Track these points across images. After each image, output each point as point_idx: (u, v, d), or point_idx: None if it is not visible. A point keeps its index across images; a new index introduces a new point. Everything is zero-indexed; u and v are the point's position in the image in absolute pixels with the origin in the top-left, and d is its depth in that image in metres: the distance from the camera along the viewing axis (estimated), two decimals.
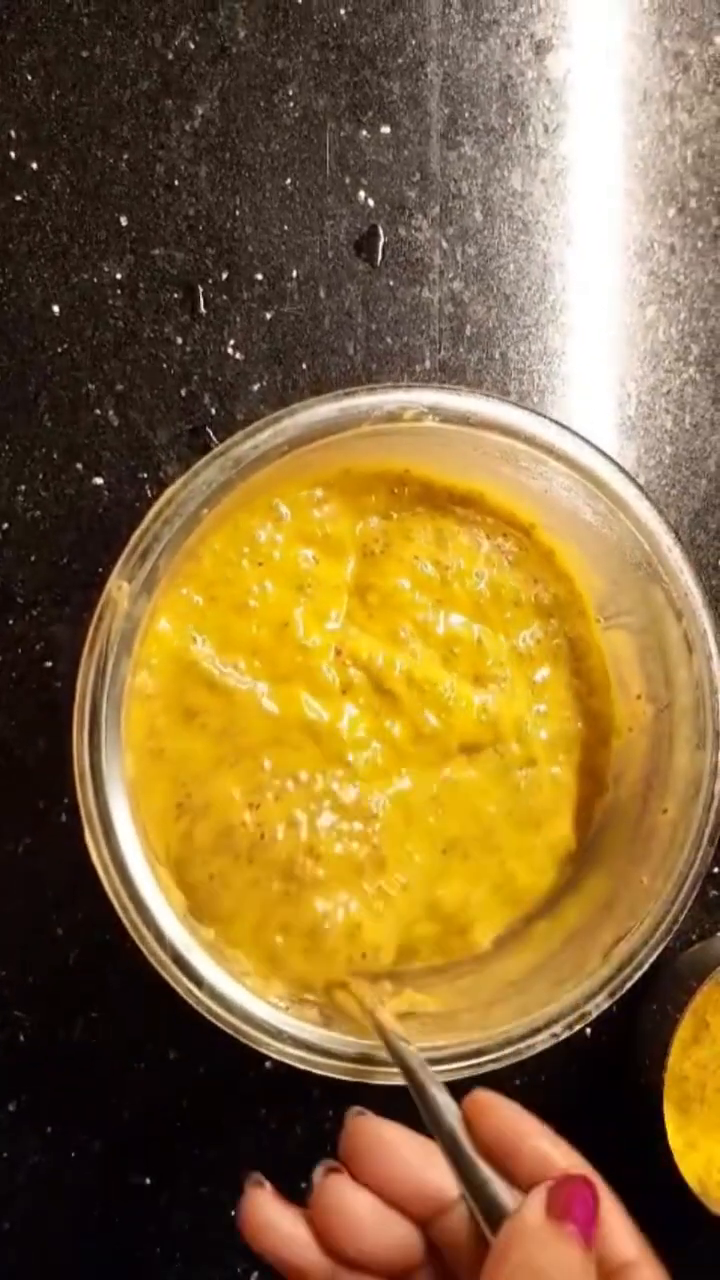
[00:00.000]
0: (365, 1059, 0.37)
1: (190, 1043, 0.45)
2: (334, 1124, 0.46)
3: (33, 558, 0.44)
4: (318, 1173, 0.32)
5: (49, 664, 0.44)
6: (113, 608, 0.35)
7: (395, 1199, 0.31)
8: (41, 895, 0.44)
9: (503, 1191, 0.29)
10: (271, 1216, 0.31)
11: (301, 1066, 0.37)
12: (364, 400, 0.37)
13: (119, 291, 0.45)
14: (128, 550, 0.35)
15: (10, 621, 0.44)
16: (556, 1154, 0.30)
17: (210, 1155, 0.46)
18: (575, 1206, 0.26)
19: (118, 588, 0.35)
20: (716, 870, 0.50)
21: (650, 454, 0.50)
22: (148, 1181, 0.46)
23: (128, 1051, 0.45)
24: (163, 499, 0.36)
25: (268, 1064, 0.45)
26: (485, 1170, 0.29)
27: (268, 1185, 0.33)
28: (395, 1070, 0.37)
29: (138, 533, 0.35)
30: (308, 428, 0.37)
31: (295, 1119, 0.46)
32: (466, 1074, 0.39)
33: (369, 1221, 0.30)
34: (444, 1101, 0.32)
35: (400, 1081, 0.38)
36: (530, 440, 0.39)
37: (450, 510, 0.44)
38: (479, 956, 0.44)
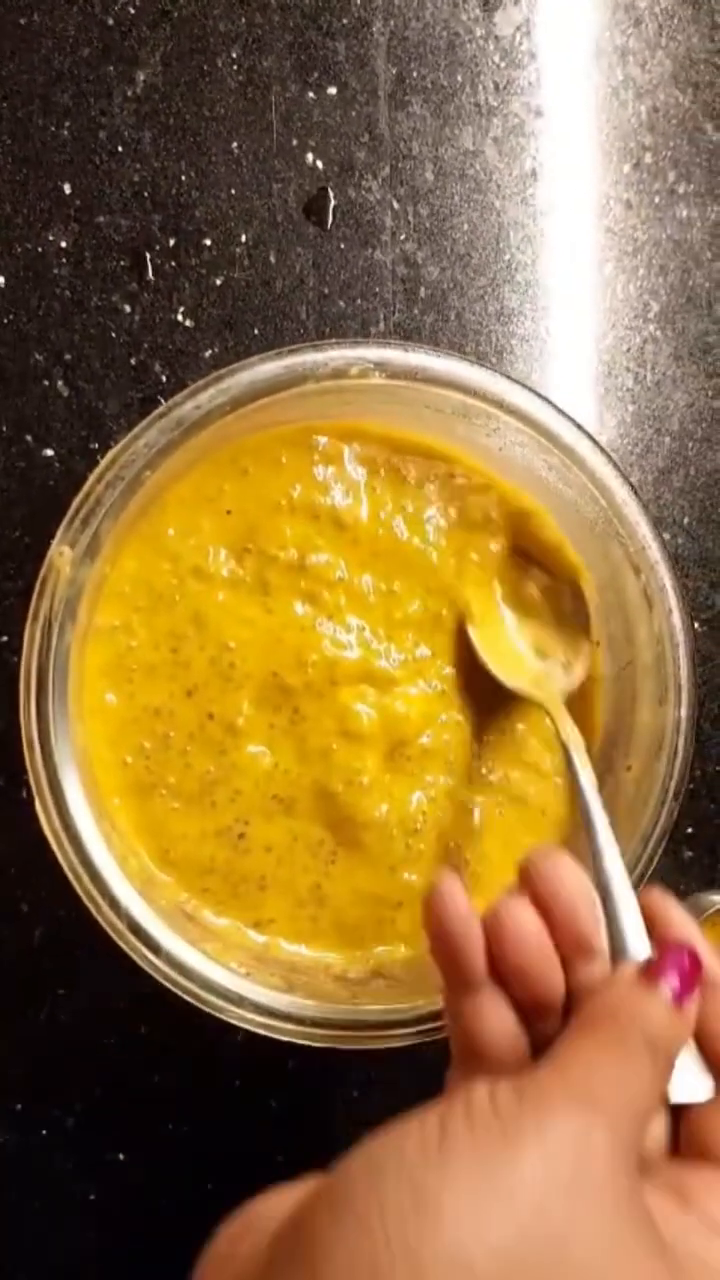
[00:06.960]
0: (328, 1024, 0.37)
1: (160, 1018, 0.45)
2: (308, 1096, 0.46)
3: None
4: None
5: (4, 638, 0.43)
6: (55, 574, 0.35)
7: (553, 924, 0.31)
8: (4, 873, 0.44)
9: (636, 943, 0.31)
10: (461, 903, 0.30)
11: (263, 1032, 0.37)
12: (309, 358, 0.37)
13: (64, 260, 0.44)
14: (69, 515, 0.35)
15: None
16: (679, 929, 0.32)
17: (185, 1130, 0.46)
18: (670, 969, 0.27)
19: (59, 554, 0.35)
20: (690, 830, 0.50)
21: (612, 413, 0.50)
22: (122, 1157, 0.45)
23: (97, 1028, 0.45)
24: (104, 462, 0.35)
25: (239, 1036, 0.45)
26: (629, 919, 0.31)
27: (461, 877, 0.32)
28: (358, 1034, 0.37)
29: (79, 497, 0.35)
30: (251, 386, 0.36)
31: (270, 1091, 0.46)
32: (437, 1036, 0.38)
33: (534, 940, 0.30)
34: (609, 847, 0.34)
35: (371, 1046, 0.38)
36: (480, 394, 0.39)
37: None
38: None
